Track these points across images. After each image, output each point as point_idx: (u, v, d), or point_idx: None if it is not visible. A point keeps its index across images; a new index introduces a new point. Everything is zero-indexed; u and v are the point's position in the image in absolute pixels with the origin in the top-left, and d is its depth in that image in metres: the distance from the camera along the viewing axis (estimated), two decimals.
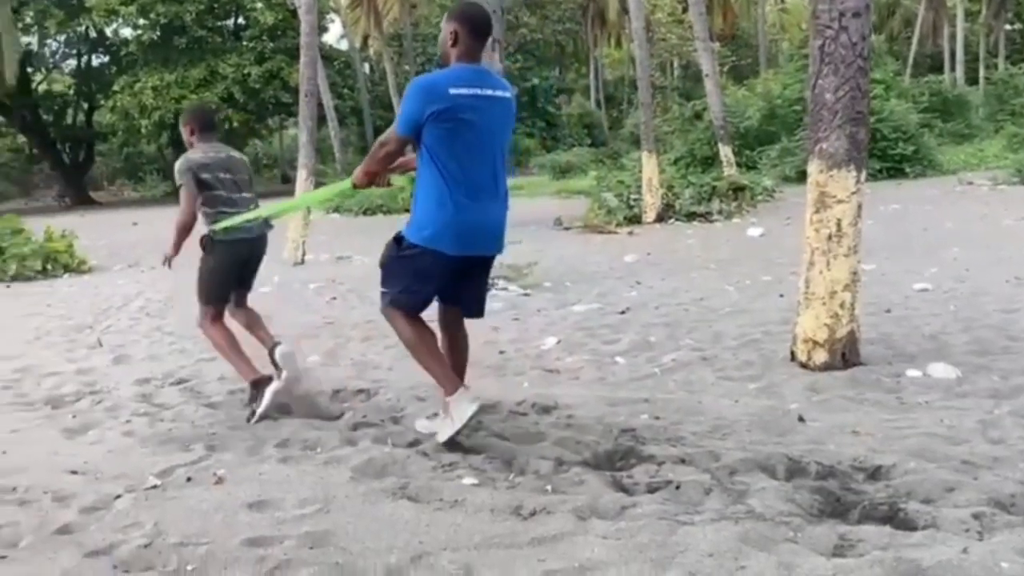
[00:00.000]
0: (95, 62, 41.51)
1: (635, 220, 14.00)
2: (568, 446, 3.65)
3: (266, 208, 4.64)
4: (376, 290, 3.82)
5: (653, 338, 5.58)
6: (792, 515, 2.84)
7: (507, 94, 3.60)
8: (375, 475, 3.47)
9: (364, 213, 19.76)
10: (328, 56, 34.94)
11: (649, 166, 13.93)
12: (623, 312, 6.57)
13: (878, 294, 6.22)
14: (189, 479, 3.52)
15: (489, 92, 3.50)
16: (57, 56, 42.01)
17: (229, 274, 4.52)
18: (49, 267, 11.57)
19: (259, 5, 34.00)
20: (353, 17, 34.58)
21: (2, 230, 11.70)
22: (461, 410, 3.57)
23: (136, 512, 3.22)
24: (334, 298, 8.16)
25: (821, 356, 4.63)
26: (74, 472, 3.69)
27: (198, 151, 4.48)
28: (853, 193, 4.57)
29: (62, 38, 38.99)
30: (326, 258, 11.64)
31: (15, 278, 11.18)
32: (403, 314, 3.65)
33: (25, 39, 35.60)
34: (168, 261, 4.60)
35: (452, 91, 3.40)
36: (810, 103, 4.75)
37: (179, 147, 39.53)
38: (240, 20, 36.41)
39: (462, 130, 3.42)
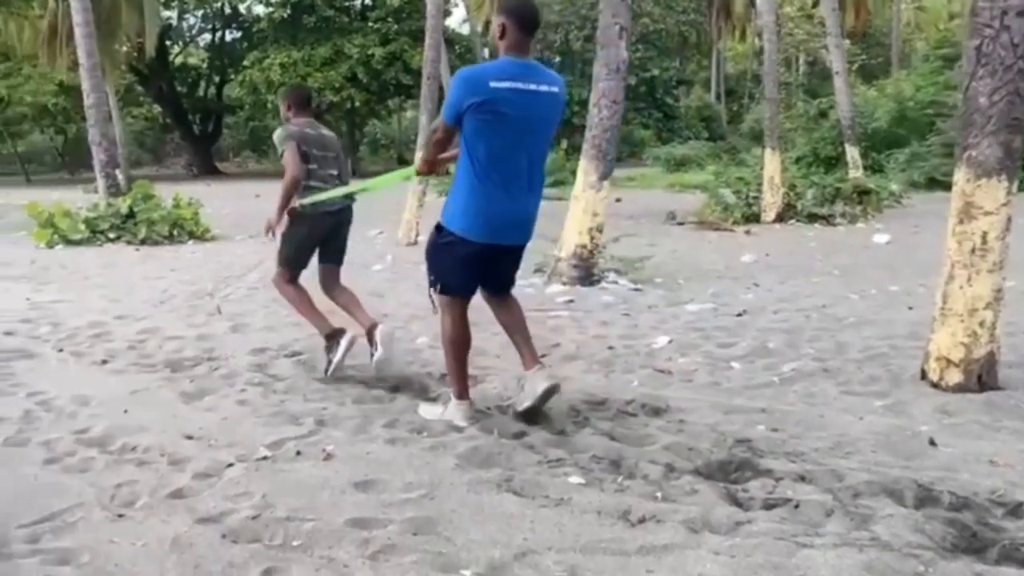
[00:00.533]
0: (228, 38, 43.18)
1: (753, 219, 13.59)
2: (679, 452, 3.52)
3: (346, 188, 4.81)
4: None
5: (771, 344, 5.35)
6: (922, 547, 2.65)
7: (553, 88, 3.64)
8: (480, 464, 3.42)
9: None
10: (450, 40, 35.26)
11: (772, 164, 13.49)
12: (739, 315, 6.34)
13: (1020, 313, 5.81)
14: (299, 453, 3.56)
15: (532, 87, 3.56)
16: (194, 31, 43.86)
17: (311, 244, 4.80)
18: (175, 233, 12.06)
19: None
20: (477, 2, 34.71)
21: (135, 195, 12.26)
22: (459, 416, 3.88)
23: (247, 482, 3.27)
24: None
25: (955, 376, 4.33)
26: (189, 437, 3.78)
27: (295, 126, 4.71)
28: (1003, 205, 4.24)
29: (200, 13, 40.58)
30: None
31: (144, 241, 11.71)
32: (451, 304, 3.83)
33: (166, 13, 37.25)
34: (271, 230, 4.76)
35: (493, 84, 3.50)
36: (961, 106, 4.43)
37: None
38: (367, 1, 37.06)
39: (499, 123, 3.52)
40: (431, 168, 4.05)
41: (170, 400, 4.40)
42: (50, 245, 11.41)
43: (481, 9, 33.19)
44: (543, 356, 5.15)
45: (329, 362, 4.66)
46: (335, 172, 4.81)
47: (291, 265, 4.83)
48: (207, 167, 39.81)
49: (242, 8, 40.77)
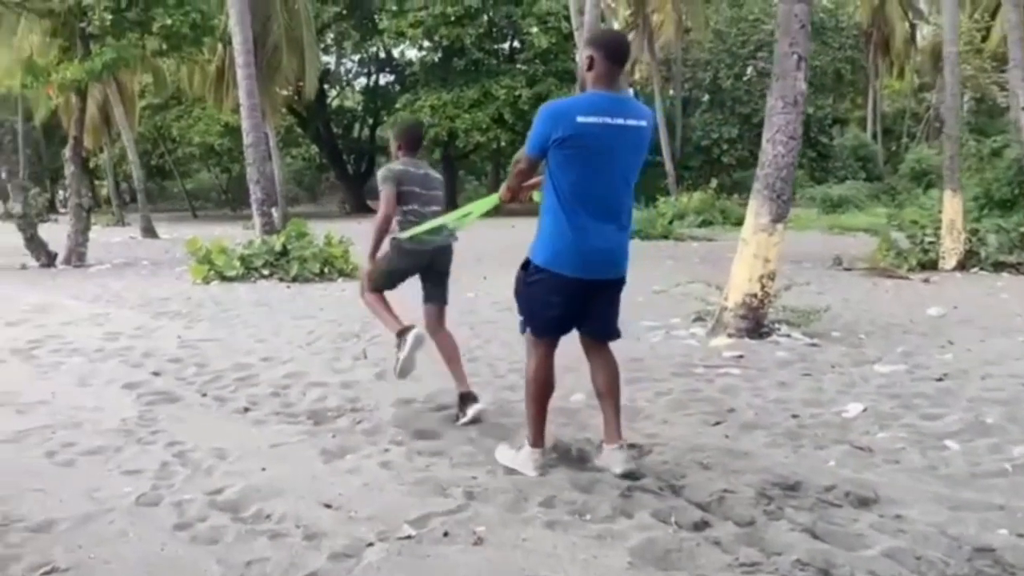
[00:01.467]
0: (382, 81, 44.68)
1: (929, 265, 12.43)
2: (904, 561, 2.86)
3: (437, 220, 4.68)
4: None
5: (989, 419, 4.55)
6: None
7: (641, 122, 3.60)
8: (657, 563, 2.89)
9: (664, 237, 19.27)
10: None
11: (952, 206, 12.33)
12: (940, 379, 5.53)
13: None
14: (446, 534, 3.12)
15: (620, 121, 3.51)
16: (350, 75, 45.56)
17: (401, 273, 4.88)
18: (326, 271, 12.12)
19: (535, 29, 34.70)
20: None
21: (289, 233, 12.42)
22: (528, 465, 3.77)
23: (388, 568, 2.85)
24: None
25: None
26: (328, 505, 3.42)
27: (399, 164, 4.81)
28: None
29: (356, 58, 42.17)
30: None
31: (295, 279, 11.81)
32: (537, 345, 3.77)
33: (324, 58, 38.86)
34: (370, 273, 4.89)
35: (579, 119, 3.46)
36: None
37: (449, 165, 41.65)
38: (515, 43, 37.47)
39: (584, 158, 3.49)
40: (513, 196, 3.98)
41: (310, 458, 4.07)
42: (206, 281, 11.67)
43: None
44: (717, 424, 4.59)
45: (397, 360, 4.80)
46: (437, 209, 4.83)
47: (375, 287, 4.93)
48: (359, 205, 41.01)
49: (395, 53, 42.13)
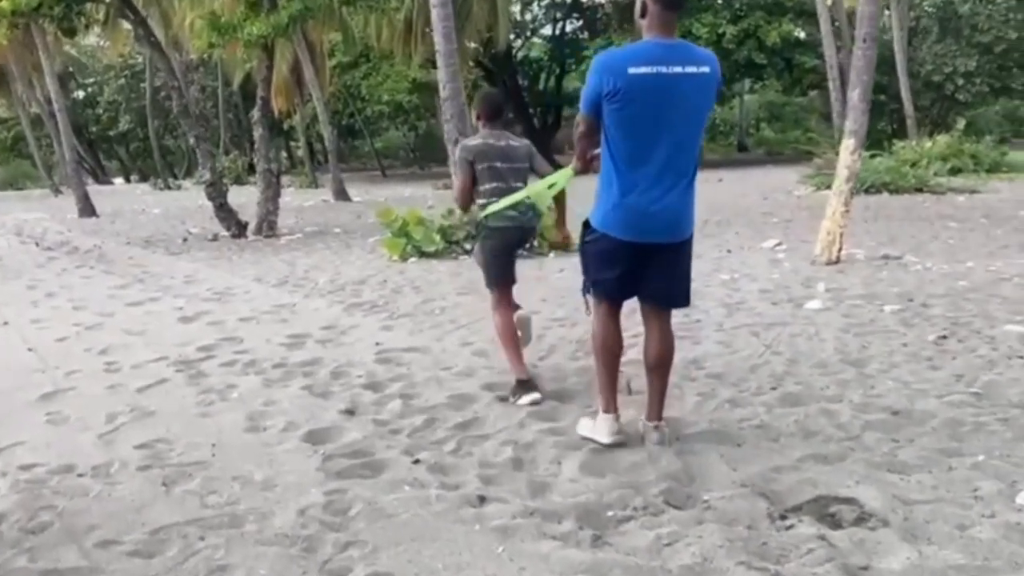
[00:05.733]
0: (569, 28, 42.57)
1: None
2: None
3: (513, 196, 4.37)
4: None
5: None
6: None
7: (703, 69, 3.29)
8: None
9: (867, 191, 16.31)
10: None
11: None
12: None
13: None
14: None
15: (677, 69, 3.24)
16: (537, 22, 43.75)
17: (505, 255, 4.65)
18: (535, 243, 10.32)
19: None
20: None
21: None
22: (602, 432, 3.64)
23: None
24: (943, 336, 5.39)
25: None
26: None
27: (478, 138, 4.57)
28: None
29: (545, 2, 40.25)
30: (862, 255, 8.87)
31: None
32: (599, 307, 3.65)
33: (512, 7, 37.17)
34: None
35: (631, 70, 3.23)
36: None
37: None
38: None
39: (637, 111, 3.27)
40: (586, 165, 3.68)
41: None
42: (403, 257, 10.20)
43: None
44: None
45: (505, 399, 4.45)
46: (522, 184, 4.55)
47: (496, 281, 4.69)
48: (547, 160, 39.37)
49: None
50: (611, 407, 3.66)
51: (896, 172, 17.39)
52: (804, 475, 3.27)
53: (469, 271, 9.19)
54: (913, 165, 19.64)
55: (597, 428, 3.70)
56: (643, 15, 3.34)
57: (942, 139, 22.68)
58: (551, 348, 5.58)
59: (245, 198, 18.39)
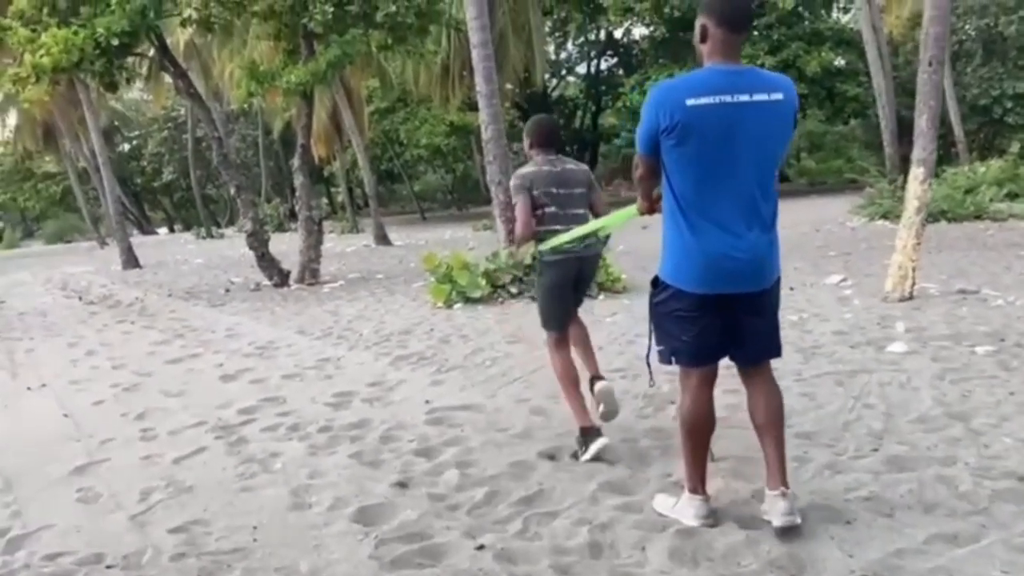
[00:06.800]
0: (603, 65, 42.51)
1: None
2: None
3: (578, 231, 4.07)
4: None
5: None
6: None
7: (775, 96, 2.91)
8: None
9: (977, 217, 15.87)
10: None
11: None
12: None
13: None
14: None
15: (744, 98, 2.86)
16: (571, 61, 43.78)
17: (562, 292, 4.34)
18: None
19: None
20: None
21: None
22: (688, 513, 3.23)
23: None
24: None
25: None
26: None
27: (532, 165, 4.29)
28: None
29: (579, 41, 40.27)
30: (936, 290, 8.32)
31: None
32: (687, 377, 3.17)
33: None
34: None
35: (690, 102, 2.85)
36: None
37: None
38: (754, 7, 33.94)
39: (701, 147, 2.88)
40: (651, 205, 3.29)
41: None
42: (448, 304, 9.84)
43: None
44: None
45: (575, 456, 4.15)
46: (581, 211, 4.27)
47: (553, 322, 4.37)
48: None
49: (618, 34, 39.77)
50: (700, 488, 3.25)
51: (952, 199, 16.75)
52: (935, 561, 2.80)
53: (518, 317, 8.83)
54: (968, 192, 18.96)
55: (681, 508, 3.29)
56: (703, 40, 2.96)
57: (996, 164, 21.96)
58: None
59: (286, 245, 18.29)
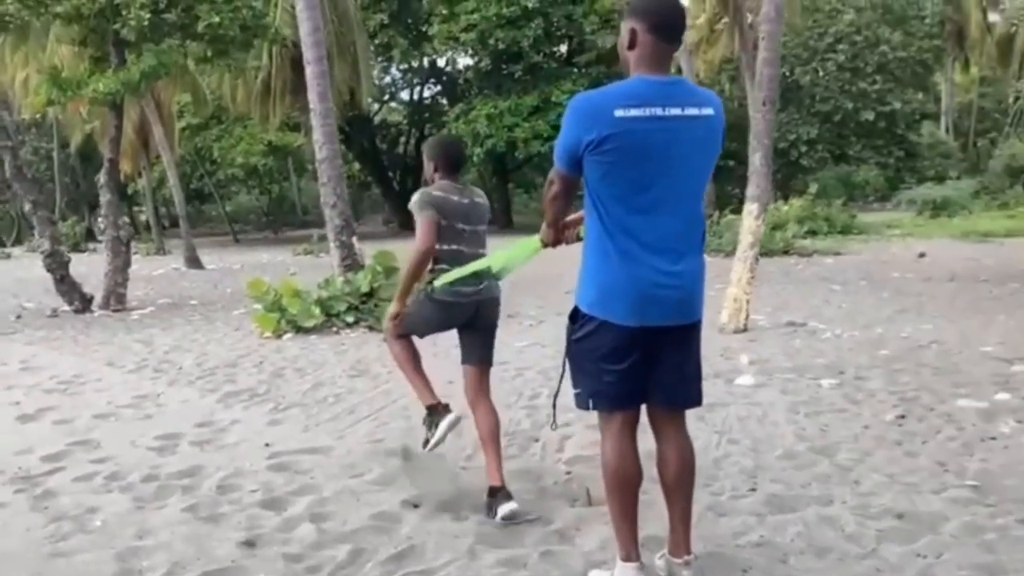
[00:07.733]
0: (427, 93, 42.55)
1: None
2: None
3: (470, 267, 3.65)
4: None
5: None
6: None
7: (706, 111, 2.67)
8: None
9: (785, 252, 16.75)
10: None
11: None
12: None
13: None
14: None
15: (676, 111, 2.61)
16: (395, 87, 43.52)
17: (435, 327, 3.97)
18: None
19: (596, 28, 32.26)
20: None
21: (376, 268, 9.88)
22: None
23: None
24: (902, 416, 5.02)
25: None
26: None
27: (438, 190, 3.83)
28: None
29: (403, 67, 40.07)
30: (765, 322, 8.64)
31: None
32: (608, 423, 2.83)
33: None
34: (396, 318, 3.91)
35: (618, 113, 2.58)
36: None
37: (503, 179, 39.33)
38: (574, 45, 35.03)
39: (631, 164, 2.60)
40: (558, 235, 3.10)
41: None
42: (277, 334, 9.23)
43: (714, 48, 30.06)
44: None
45: (426, 441, 3.96)
46: (482, 251, 3.87)
47: (411, 328, 3.96)
48: (404, 222, 38.74)
49: (441, 62, 39.95)
50: (633, 554, 2.87)
51: (765, 235, 17.76)
52: None
53: (355, 348, 8.37)
54: (775, 228, 20.24)
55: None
56: (631, 46, 2.68)
57: (797, 203, 23.64)
58: (477, 445, 4.86)
59: (85, 267, 16.74)
